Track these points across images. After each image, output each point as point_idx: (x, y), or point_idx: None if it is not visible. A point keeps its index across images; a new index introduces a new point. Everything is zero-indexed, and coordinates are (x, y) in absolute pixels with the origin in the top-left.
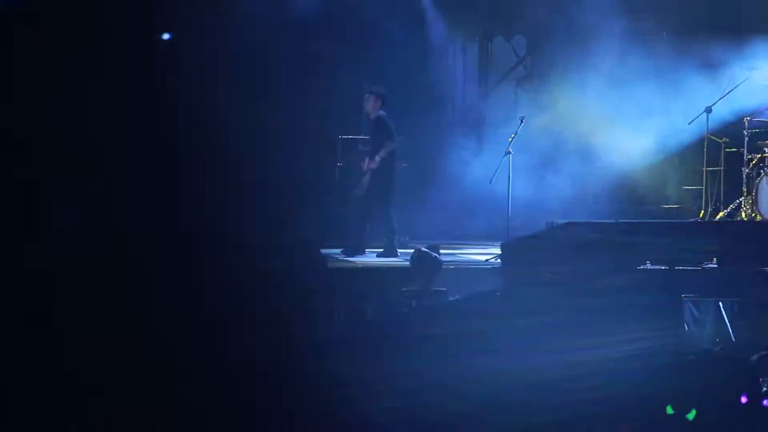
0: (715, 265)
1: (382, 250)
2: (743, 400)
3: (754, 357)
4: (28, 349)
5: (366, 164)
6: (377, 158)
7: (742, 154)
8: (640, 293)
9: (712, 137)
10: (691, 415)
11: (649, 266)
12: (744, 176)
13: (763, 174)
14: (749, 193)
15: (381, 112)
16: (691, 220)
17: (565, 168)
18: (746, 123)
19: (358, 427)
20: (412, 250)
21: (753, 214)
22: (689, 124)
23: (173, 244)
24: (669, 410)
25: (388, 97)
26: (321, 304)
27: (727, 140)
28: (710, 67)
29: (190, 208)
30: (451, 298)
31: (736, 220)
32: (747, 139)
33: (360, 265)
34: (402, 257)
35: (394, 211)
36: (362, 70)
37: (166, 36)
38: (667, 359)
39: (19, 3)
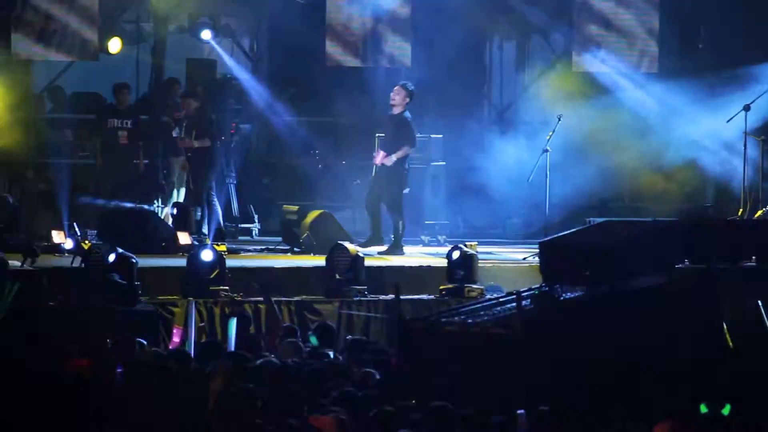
0: (754, 264)
1: (386, 248)
2: None
3: None
4: None
5: (379, 157)
6: (394, 157)
7: None
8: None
9: (750, 135)
10: (726, 410)
11: (687, 265)
12: None
13: None
14: None
15: (407, 114)
16: (730, 218)
17: (602, 166)
18: None
19: None
20: (449, 248)
21: None
22: (727, 122)
23: None
24: (702, 408)
25: (416, 95)
26: None
27: (764, 138)
28: (748, 64)
29: None
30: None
31: None
32: None
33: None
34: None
35: (404, 213)
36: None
37: None
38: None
39: None
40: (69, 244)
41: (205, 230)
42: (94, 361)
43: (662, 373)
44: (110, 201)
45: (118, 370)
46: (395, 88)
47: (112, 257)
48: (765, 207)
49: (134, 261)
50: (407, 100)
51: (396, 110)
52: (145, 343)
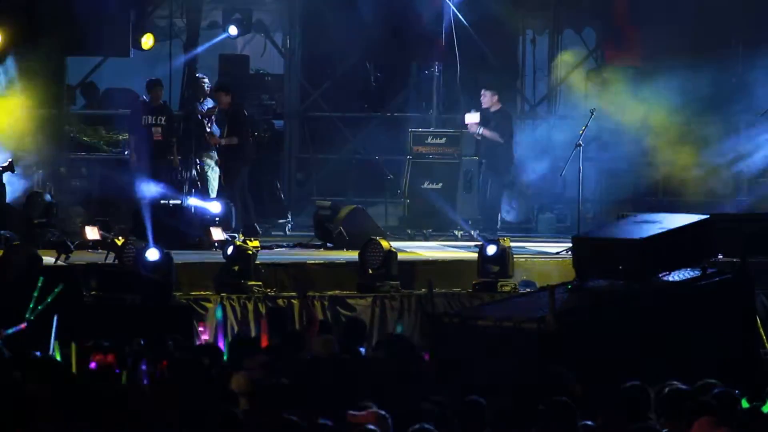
0: None
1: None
2: None
3: None
4: None
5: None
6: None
7: None
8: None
9: None
10: (766, 407)
11: (721, 258)
12: None
13: None
14: None
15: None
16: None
17: (635, 160)
18: None
19: None
20: (482, 243)
21: None
22: (761, 115)
23: None
24: (744, 404)
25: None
26: None
27: None
28: None
29: None
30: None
31: None
32: None
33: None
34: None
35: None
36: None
37: None
38: None
39: None
40: (102, 239)
41: (236, 226)
42: (118, 357)
43: (699, 369)
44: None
45: (143, 368)
46: (482, 92)
47: (152, 254)
48: None
49: (170, 257)
50: (496, 97)
51: (492, 109)
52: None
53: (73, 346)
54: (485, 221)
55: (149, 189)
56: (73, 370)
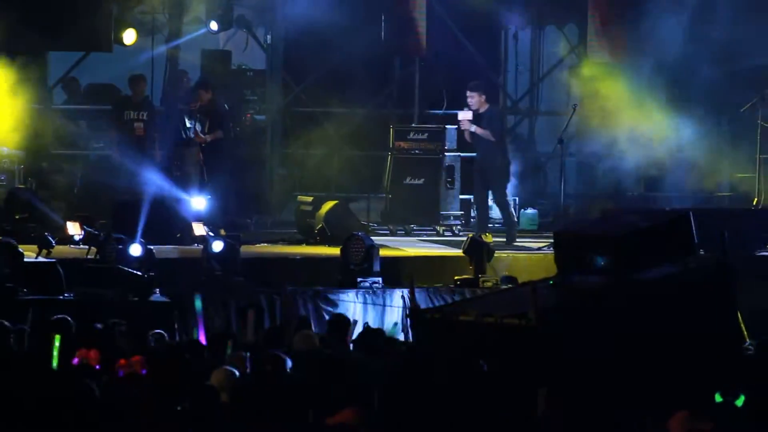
0: None
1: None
2: None
3: None
4: None
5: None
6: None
7: None
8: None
9: (765, 124)
10: (740, 401)
11: (701, 254)
12: None
13: None
14: None
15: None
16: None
17: (618, 155)
18: None
19: None
20: (465, 239)
21: None
22: (742, 111)
23: None
24: (718, 398)
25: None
26: None
27: None
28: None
29: None
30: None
31: None
32: None
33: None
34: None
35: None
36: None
37: None
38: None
39: None
40: (84, 235)
41: (218, 221)
42: (101, 352)
43: (677, 363)
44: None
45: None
46: (467, 93)
47: (135, 249)
48: None
49: (152, 252)
50: (484, 97)
51: (480, 110)
52: (166, 335)
53: (57, 338)
54: (480, 221)
55: (131, 184)
56: (54, 364)
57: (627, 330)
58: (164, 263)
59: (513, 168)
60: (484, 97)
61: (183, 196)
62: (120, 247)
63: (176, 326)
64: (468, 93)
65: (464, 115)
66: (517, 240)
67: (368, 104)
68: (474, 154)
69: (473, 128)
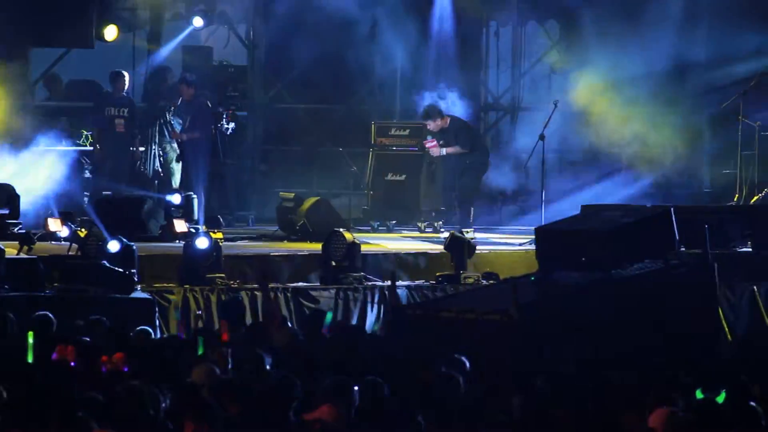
0: (750, 249)
1: None
2: None
3: None
4: None
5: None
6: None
7: None
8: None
9: (747, 120)
10: (721, 398)
11: (682, 250)
12: None
13: None
14: None
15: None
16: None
17: (598, 152)
18: None
19: None
20: (446, 235)
21: None
22: (723, 106)
23: None
24: (699, 394)
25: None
26: None
27: (760, 123)
28: (745, 50)
29: None
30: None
31: None
32: None
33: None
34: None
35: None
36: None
37: None
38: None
39: None
40: (65, 231)
41: (199, 218)
42: (78, 348)
43: (658, 359)
44: (107, 188)
45: (101, 358)
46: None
47: (113, 245)
48: (760, 192)
49: (133, 248)
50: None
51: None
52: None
53: (31, 334)
54: (461, 213)
55: (112, 180)
56: (29, 359)
57: (607, 326)
58: (145, 259)
59: (494, 164)
60: (439, 119)
61: (164, 192)
62: (100, 243)
63: (158, 323)
64: (425, 122)
65: (431, 144)
66: (500, 236)
67: (350, 100)
68: None
69: (444, 151)
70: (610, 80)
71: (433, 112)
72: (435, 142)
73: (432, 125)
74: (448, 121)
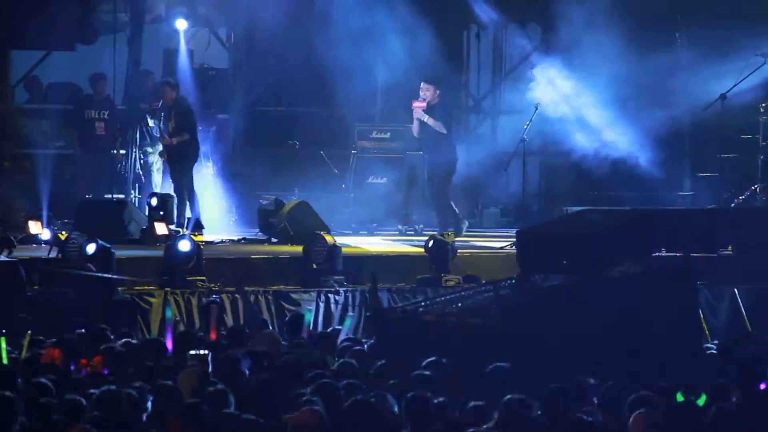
0: (731, 252)
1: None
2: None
3: None
4: None
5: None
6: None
7: (758, 141)
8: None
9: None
10: (701, 401)
11: (664, 253)
12: (759, 163)
13: None
14: (765, 179)
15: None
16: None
17: (579, 155)
18: (762, 109)
19: None
20: (426, 238)
21: None
22: (704, 110)
23: None
24: (679, 397)
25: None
26: None
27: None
28: (725, 53)
29: None
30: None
31: (752, 207)
32: (763, 125)
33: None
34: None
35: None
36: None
37: None
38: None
39: None
40: (46, 234)
41: (183, 220)
42: (65, 352)
43: (639, 362)
44: (87, 191)
45: (81, 361)
46: (422, 84)
47: (91, 248)
48: (741, 196)
49: (112, 251)
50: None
51: (432, 102)
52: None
53: (28, 335)
54: (440, 218)
55: (92, 183)
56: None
57: (589, 329)
58: (125, 262)
59: (476, 167)
60: (438, 91)
61: (144, 194)
62: (80, 246)
63: (139, 326)
64: (423, 85)
65: (418, 104)
66: (481, 238)
67: (330, 103)
68: (420, 152)
69: (425, 118)
70: (590, 83)
71: (435, 80)
72: (424, 104)
73: (428, 92)
74: (439, 100)
